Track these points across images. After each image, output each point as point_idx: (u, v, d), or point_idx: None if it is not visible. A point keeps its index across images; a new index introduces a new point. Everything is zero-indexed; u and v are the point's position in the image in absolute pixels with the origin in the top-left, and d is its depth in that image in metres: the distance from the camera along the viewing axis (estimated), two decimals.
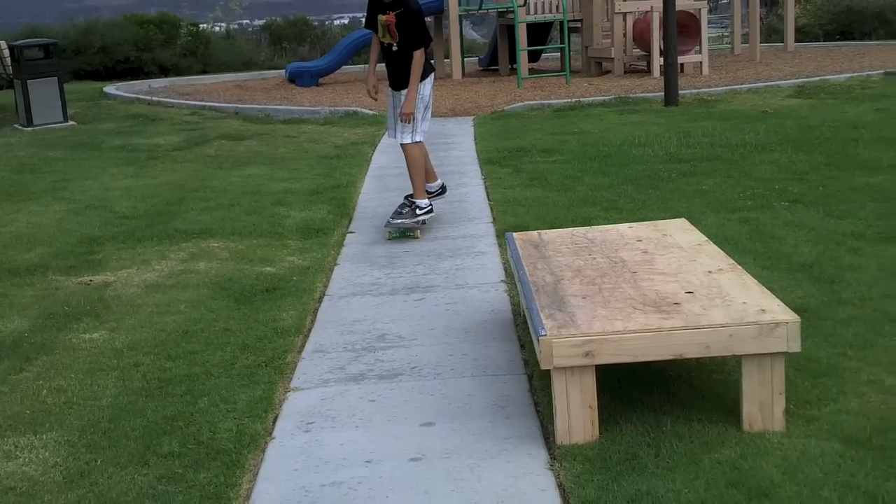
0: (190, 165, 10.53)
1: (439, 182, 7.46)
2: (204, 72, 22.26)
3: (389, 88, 7.18)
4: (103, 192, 9.17)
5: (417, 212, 7.08)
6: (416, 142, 7.00)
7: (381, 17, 6.82)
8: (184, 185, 9.38)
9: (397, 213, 7.13)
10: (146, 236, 7.38)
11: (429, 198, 7.22)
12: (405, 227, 7.02)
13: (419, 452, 3.79)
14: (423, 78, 6.93)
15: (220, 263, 6.57)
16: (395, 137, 7.15)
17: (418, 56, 6.81)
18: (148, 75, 21.36)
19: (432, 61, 7.30)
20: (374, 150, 11.08)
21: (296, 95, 16.87)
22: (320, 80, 18.66)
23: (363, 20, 6.96)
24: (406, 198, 7.27)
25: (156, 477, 3.69)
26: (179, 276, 6.32)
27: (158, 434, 4.05)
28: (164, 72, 21.86)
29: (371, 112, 14.18)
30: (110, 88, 18.53)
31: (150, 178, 9.81)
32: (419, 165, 7.09)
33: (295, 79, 18.58)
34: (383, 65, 7.15)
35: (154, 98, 17.01)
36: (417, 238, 6.97)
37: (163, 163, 10.76)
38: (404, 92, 6.95)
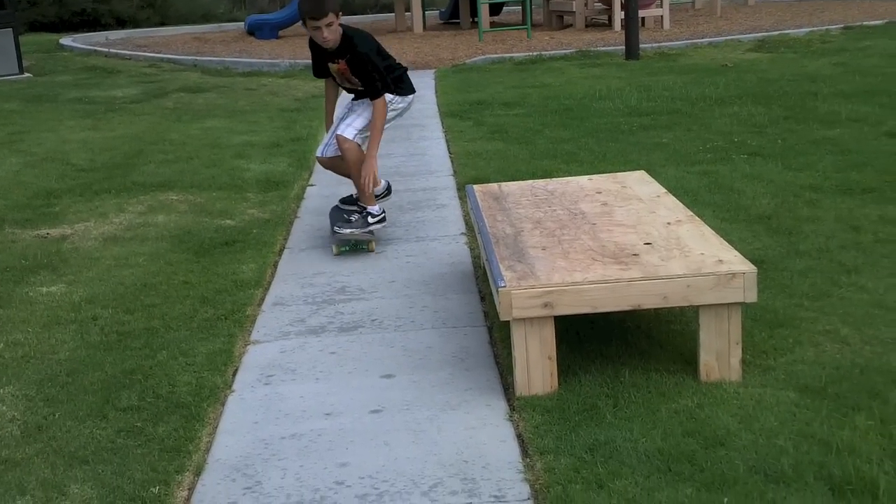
0: (148, 118, 10.43)
1: (384, 183, 6.03)
2: (162, 24, 22.01)
3: (351, 95, 5.89)
4: (60, 144, 9.06)
5: (370, 220, 5.71)
6: (357, 142, 5.63)
7: (333, 66, 5.64)
8: (142, 137, 9.30)
9: (344, 221, 5.70)
10: (104, 189, 7.31)
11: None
12: (356, 238, 5.66)
13: (379, 404, 3.80)
14: (404, 95, 5.78)
15: (179, 216, 6.52)
16: (331, 154, 5.79)
17: (379, 107, 5.53)
18: (105, 27, 21.09)
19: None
20: None
21: (255, 48, 16.73)
22: (280, 33, 18.50)
23: None
24: (349, 201, 5.97)
25: (114, 430, 3.67)
26: (138, 228, 6.27)
27: (117, 388, 4.03)
28: (121, 24, 21.59)
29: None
30: (66, 40, 18.28)
31: (108, 131, 9.70)
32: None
33: (254, 31, 18.41)
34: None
35: (111, 50, 16.81)
36: (373, 251, 5.69)
37: (121, 115, 10.64)
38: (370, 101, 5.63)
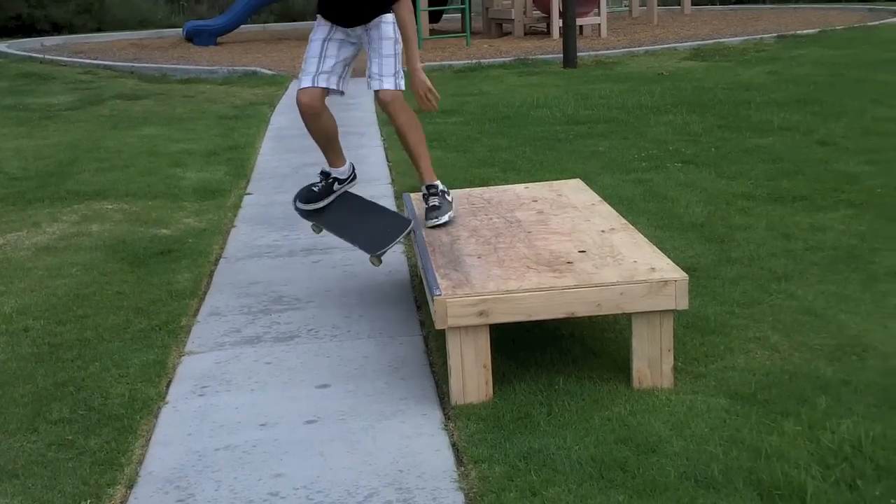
0: (84, 125, 10.32)
1: (349, 164, 5.13)
2: (99, 30, 21.78)
3: (332, 25, 4.78)
4: None
5: (448, 197, 4.83)
6: (402, 89, 4.73)
7: None
8: (77, 145, 9.19)
9: (433, 209, 4.73)
10: (37, 198, 7.22)
11: (340, 186, 5.08)
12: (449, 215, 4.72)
13: (315, 415, 3.79)
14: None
15: (114, 225, 6.46)
16: (334, 86, 4.77)
17: (405, 7, 4.68)
18: (40, 33, 20.83)
19: None
20: (272, 111, 10.98)
21: (193, 55, 16.62)
22: (219, 40, 18.39)
23: None
24: (426, 190, 4.86)
25: (45, 444, 3.63)
26: (72, 238, 6.20)
27: (48, 400, 3.98)
28: (57, 29, 21.34)
29: (270, 72, 14.02)
30: (1, 46, 18.02)
31: (42, 139, 9.58)
32: (418, 126, 4.84)
33: (193, 38, 18.29)
34: None
35: (47, 56, 16.62)
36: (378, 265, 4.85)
37: (55, 123, 10.52)
38: (376, 24, 4.70)
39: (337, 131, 4.94)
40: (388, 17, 4.73)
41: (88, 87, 13.18)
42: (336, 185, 5.07)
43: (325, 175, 5.08)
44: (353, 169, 5.15)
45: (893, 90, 10.07)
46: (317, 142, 4.99)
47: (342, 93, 4.79)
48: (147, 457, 3.54)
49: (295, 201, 5.11)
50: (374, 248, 4.38)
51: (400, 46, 4.77)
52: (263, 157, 8.66)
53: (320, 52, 4.76)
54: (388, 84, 4.70)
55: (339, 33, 4.77)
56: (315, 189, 5.08)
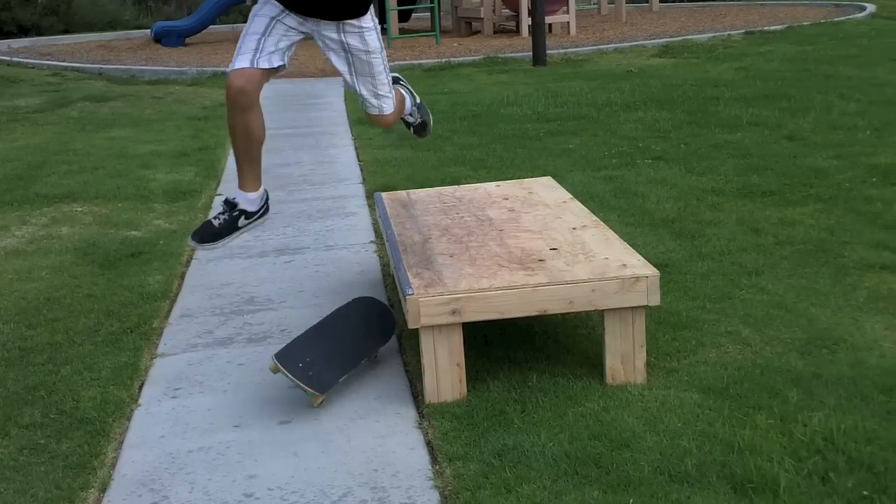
0: (52, 128, 10.25)
1: (262, 190, 4.15)
2: (66, 31, 21.62)
3: (284, 8, 3.83)
4: None
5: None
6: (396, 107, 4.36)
7: None
8: (45, 148, 9.13)
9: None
10: (5, 201, 7.16)
11: (247, 221, 4.09)
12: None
13: (288, 415, 3.79)
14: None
15: (84, 228, 6.42)
16: (277, 63, 3.84)
17: None
18: (7, 35, 20.66)
19: None
20: None
21: (162, 56, 16.53)
22: (187, 40, 18.31)
23: None
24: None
25: (17, 448, 3.60)
26: (41, 241, 6.16)
27: (19, 404, 3.95)
28: (24, 31, 21.17)
29: None
30: None
31: (10, 142, 9.51)
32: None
33: (161, 38, 18.20)
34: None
35: (14, 59, 16.49)
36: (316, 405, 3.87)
37: (23, 125, 10.44)
38: (356, 24, 3.99)
39: (264, 139, 3.99)
40: (368, 22, 4.02)
41: (56, 90, 13.09)
42: (242, 220, 4.08)
43: (229, 206, 4.09)
44: (267, 198, 4.18)
45: (859, 85, 10.15)
46: (236, 146, 3.97)
47: (285, 66, 3.94)
48: (120, 460, 3.52)
49: (192, 237, 4.11)
50: (279, 357, 3.79)
51: (385, 53, 4.17)
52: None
53: (265, 29, 3.83)
54: (388, 106, 4.23)
55: (291, 20, 3.87)
56: (215, 224, 4.06)
